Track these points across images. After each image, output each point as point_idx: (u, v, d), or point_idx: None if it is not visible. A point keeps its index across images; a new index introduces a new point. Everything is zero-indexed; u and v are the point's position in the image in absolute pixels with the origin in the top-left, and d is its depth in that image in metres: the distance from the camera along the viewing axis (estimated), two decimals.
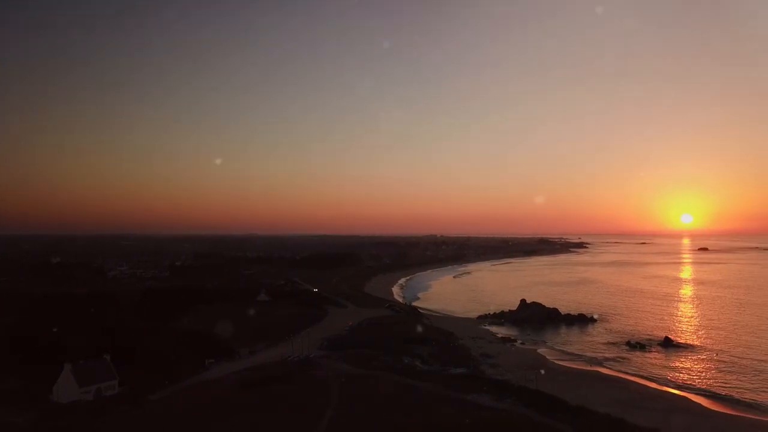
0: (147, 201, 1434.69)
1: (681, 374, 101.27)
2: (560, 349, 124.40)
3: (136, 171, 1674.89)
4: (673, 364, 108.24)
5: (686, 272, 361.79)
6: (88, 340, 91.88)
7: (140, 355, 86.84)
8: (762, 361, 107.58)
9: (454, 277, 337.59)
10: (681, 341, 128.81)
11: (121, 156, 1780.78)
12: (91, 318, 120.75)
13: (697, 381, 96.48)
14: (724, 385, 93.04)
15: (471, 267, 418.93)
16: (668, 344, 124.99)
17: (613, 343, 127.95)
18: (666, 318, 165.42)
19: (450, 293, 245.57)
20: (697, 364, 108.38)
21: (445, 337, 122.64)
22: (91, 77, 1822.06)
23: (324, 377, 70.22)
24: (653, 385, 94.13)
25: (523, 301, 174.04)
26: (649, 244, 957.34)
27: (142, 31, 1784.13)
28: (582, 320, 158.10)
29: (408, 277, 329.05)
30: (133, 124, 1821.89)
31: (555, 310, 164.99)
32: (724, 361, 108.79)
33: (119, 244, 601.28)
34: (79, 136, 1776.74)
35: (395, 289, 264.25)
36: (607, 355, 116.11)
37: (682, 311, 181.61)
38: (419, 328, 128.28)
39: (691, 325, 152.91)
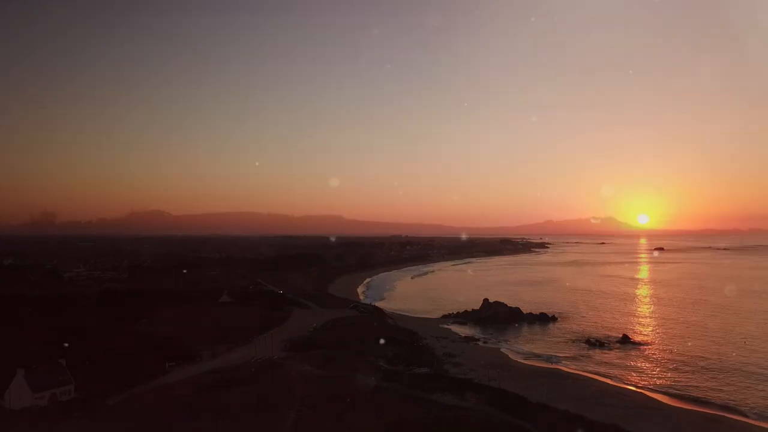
0: (105, 201, 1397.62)
1: (638, 371, 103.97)
2: (522, 347, 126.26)
3: (95, 171, 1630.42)
4: (630, 362, 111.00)
5: (643, 272, 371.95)
6: (42, 343, 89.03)
7: (98, 359, 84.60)
8: (712, 359, 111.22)
9: (416, 277, 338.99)
10: (638, 339, 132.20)
11: (80, 156, 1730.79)
12: (46, 321, 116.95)
13: (653, 378, 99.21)
14: (678, 381, 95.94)
15: (434, 267, 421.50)
16: (626, 342, 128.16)
17: (573, 342, 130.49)
18: (624, 316, 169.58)
19: (413, 293, 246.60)
20: (653, 362, 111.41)
21: (408, 337, 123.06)
22: (59, 75, 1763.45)
23: (287, 378, 69.67)
24: (612, 382, 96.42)
25: (485, 300, 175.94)
26: (608, 244, 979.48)
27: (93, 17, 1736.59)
28: (543, 319, 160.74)
29: (372, 278, 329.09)
30: (93, 126, 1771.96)
31: (517, 310, 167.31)
32: (679, 359, 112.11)
33: (77, 246, 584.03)
34: (36, 135, 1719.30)
35: (360, 290, 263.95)
36: (567, 354, 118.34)
37: (639, 310, 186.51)
38: (384, 329, 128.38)
39: (647, 324, 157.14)
